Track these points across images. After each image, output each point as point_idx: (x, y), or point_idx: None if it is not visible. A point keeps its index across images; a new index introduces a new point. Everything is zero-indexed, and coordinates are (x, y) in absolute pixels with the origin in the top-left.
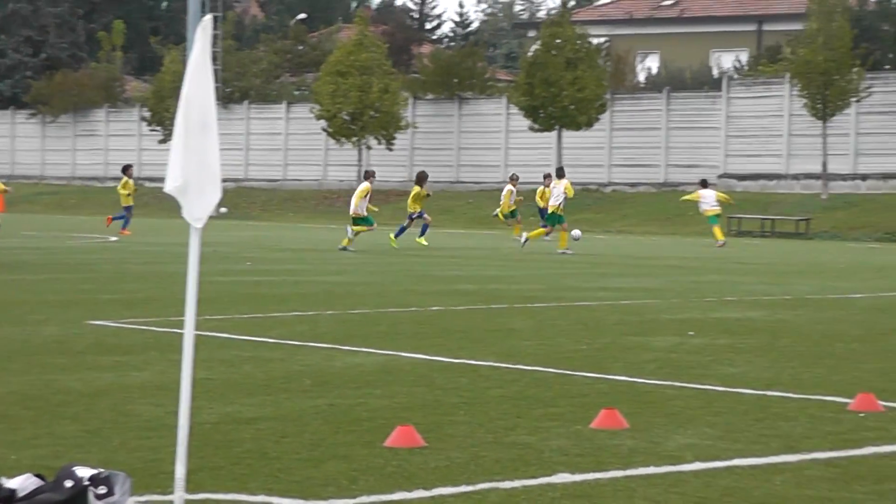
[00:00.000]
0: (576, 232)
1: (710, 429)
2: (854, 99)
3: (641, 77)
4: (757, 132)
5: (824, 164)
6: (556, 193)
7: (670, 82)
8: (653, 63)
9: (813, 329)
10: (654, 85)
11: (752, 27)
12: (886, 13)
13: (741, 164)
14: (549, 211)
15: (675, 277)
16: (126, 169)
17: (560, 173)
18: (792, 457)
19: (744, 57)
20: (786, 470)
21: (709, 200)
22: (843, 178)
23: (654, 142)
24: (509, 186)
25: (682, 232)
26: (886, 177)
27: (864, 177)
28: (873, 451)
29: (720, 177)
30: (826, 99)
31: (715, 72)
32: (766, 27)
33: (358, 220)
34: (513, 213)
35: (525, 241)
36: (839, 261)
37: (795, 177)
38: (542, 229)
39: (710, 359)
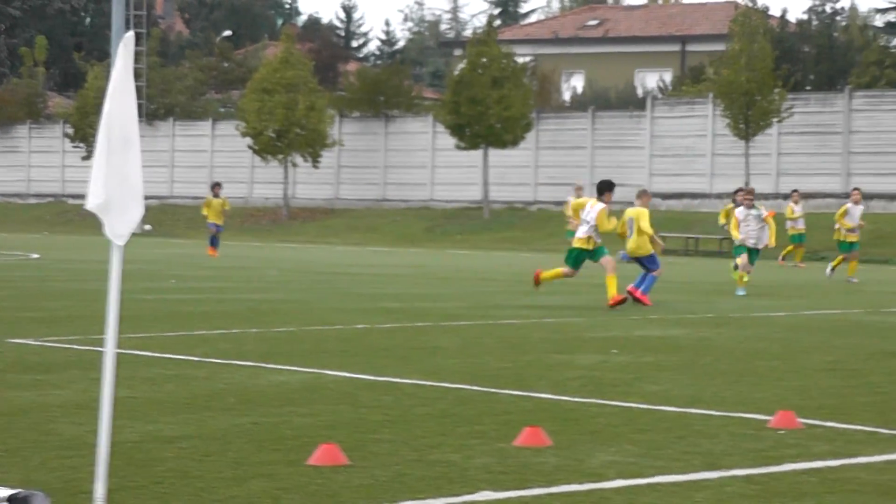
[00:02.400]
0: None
1: (633, 446)
2: (776, 119)
3: (567, 96)
4: (681, 151)
5: (747, 184)
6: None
7: (595, 101)
8: (578, 82)
9: (735, 347)
10: (580, 104)
11: (675, 47)
12: (807, 35)
13: (665, 184)
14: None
15: (600, 295)
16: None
17: (603, 187)
18: (713, 474)
19: (668, 77)
20: (707, 487)
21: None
22: (766, 197)
23: (580, 161)
24: None
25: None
26: (807, 196)
27: (785, 196)
28: (792, 468)
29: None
30: (748, 119)
31: (639, 91)
32: (690, 47)
33: None
34: None
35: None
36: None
37: (719, 196)
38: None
39: (634, 376)
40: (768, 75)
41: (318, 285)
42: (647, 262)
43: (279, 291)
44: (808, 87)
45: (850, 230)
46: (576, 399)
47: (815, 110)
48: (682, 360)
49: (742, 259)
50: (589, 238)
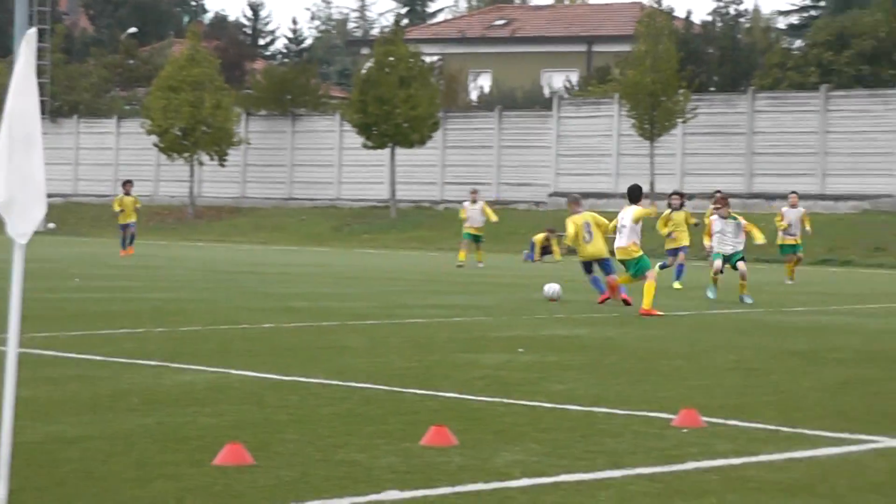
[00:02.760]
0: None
1: (538, 445)
2: (680, 120)
3: (474, 96)
4: (587, 151)
5: (652, 184)
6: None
7: (502, 101)
8: (485, 82)
9: (639, 346)
10: (487, 104)
11: (581, 48)
12: (711, 36)
13: (571, 183)
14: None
15: (506, 295)
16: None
17: (635, 194)
18: (617, 472)
19: (574, 77)
20: (610, 485)
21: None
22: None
23: (487, 160)
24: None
25: (514, 250)
26: (711, 196)
27: (690, 196)
28: (695, 466)
29: (551, 195)
30: (653, 119)
31: (546, 91)
32: (596, 48)
33: None
34: (477, 238)
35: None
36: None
37: (624, 196)
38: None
39: (539, 376)
40: (673, 76)
41: (224, 284)
42: (606, 267)
43: (185, 291)
44: (712, 89)
45: (788, 233)
46: (481, 398)
47: (718, 111)
48: (586, 360)
49: (717, 264)
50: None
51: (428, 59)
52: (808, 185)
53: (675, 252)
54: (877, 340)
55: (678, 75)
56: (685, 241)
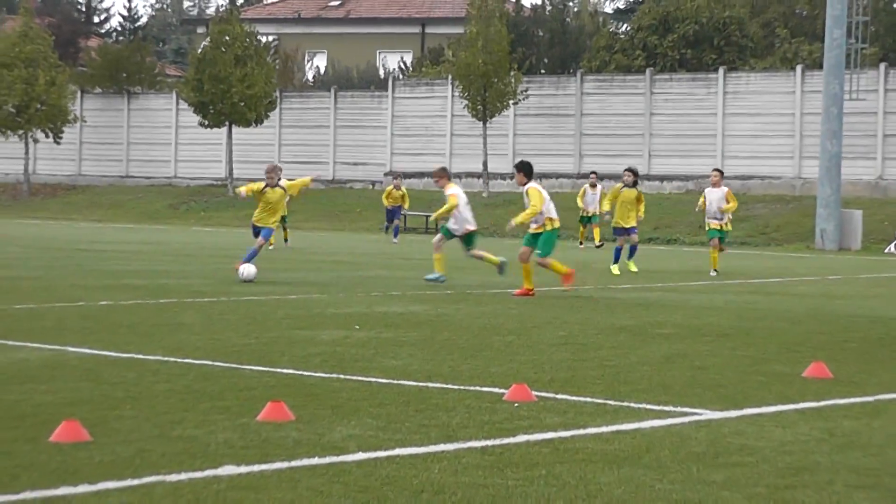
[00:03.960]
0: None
1: (373, 420)
2: (512, 101)
3: (310, 76)
4: (421, 132)
5: (485, 164)
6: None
7: (338, 81)
8: (321, 62)
9: (472, 323)
10: (322, 84)
11: (416, 29)
12: (541, 20)
13: (406, 163)
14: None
15: (343, 272)
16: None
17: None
18: (450, 446)
19: (408, 58)
20: (444, 458)
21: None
22: (503, 177)
23: (323, 139)
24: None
25: (351, 228)
26: (542, 176)
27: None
28: (526, 439)
29: (386, 174)
30: (485, 101)
31: (381, 72)
32: (430, 30)
33: None
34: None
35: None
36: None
37: (458, 175)
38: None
39: (374, 352)
40: (504, 58)
41: (59, 262)
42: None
43: (19, 268)
44: (542, 71)
45: (713, 217)
46: (318, 374)
47: (549, 93)
48: (420, 336)
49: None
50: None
51: (264, 39)
52: (635, 165)
53: (623, 232)
54: (700, 316)
55: (509, 57)
56: (633, 222)
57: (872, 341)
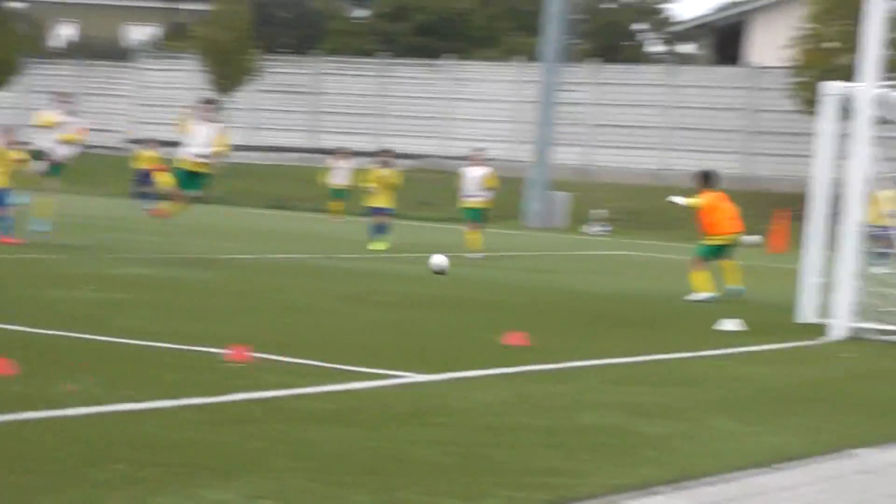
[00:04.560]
0: None
1: (97, 377)
2: (253, 78)
3: (58, 43)
4: (166, 102)
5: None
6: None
7: (85, 50)
8: (69, 31)
9: (199, 286)
10: (70, 52)
11: (163, 3)
12: (283, 1)
13: (150, 132)
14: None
15: (83, 236)
16: None
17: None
18: (169, 402)
19: (155, 32)
20: (161, 414)
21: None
22: (239, 149)
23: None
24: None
25: (89, 192)
26: (278, 150)
27: (258, 149)
28: (243, 398)
29: (128, 142)
30: (228, 76)
31: (127, 44)
32: (177, 5)
33: None
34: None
35: None
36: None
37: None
38: None
39: (105, 312)
40: (246, 36)
41: None
42: None
43: None
44: (281, 50)
45: (469, 195)
46: (48, 332)
47: (288, 71)
48: (151, 298)
49: None
50: None
51: (12, 5)
52: (367, 143)
53: (378, 211)
54: (415, 286)
55: (251, 36)
56: (388, 202)
57: (567, 312)
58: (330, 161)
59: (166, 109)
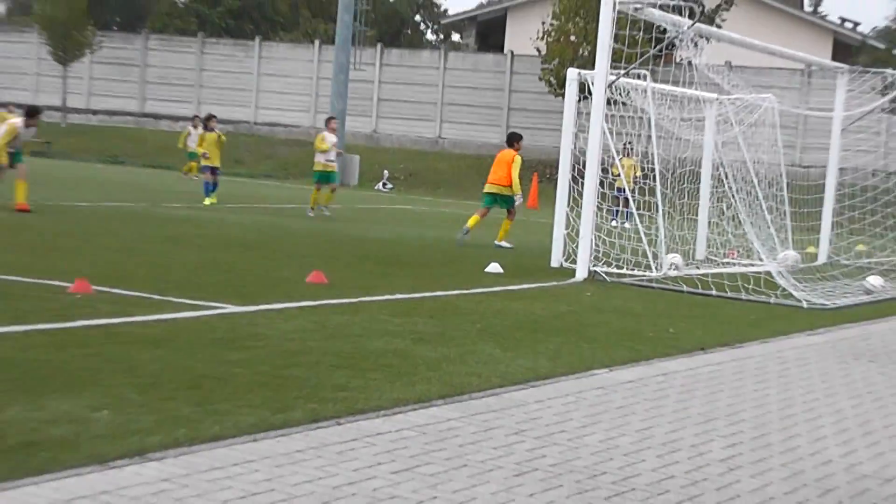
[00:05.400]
0: None
1: None
2: (88, 51)
3: None
4: (12, 71)
5: (64, 101)
6: None
7: None
8: None
9: (45, 229)
10: None
11: None
12: None
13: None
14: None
15: None
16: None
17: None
18: (19, 327)
19: (2, 9)
20: (13, 338)
21: None
22: (79, 111)
23: None
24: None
25: None
26: (111, 113)
27: (93, 112)
28: (83, 324)
29: None
30: (66, 48)
31: None
32: None
33: None
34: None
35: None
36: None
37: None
38: None
39: None
40: (82, 14)
41: None
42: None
43: None
44: (115, 28)
45: (328, 160)
46: None
47: (119, 46)
48: (2, 238)
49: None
50: None
51: None
52: (187, 111)
53: (211, 170)
54: (231, 231)
55: (87, 14)
56: (218, 162)
57: (359, 256)
58: (189, 127)
59: (11, 77)
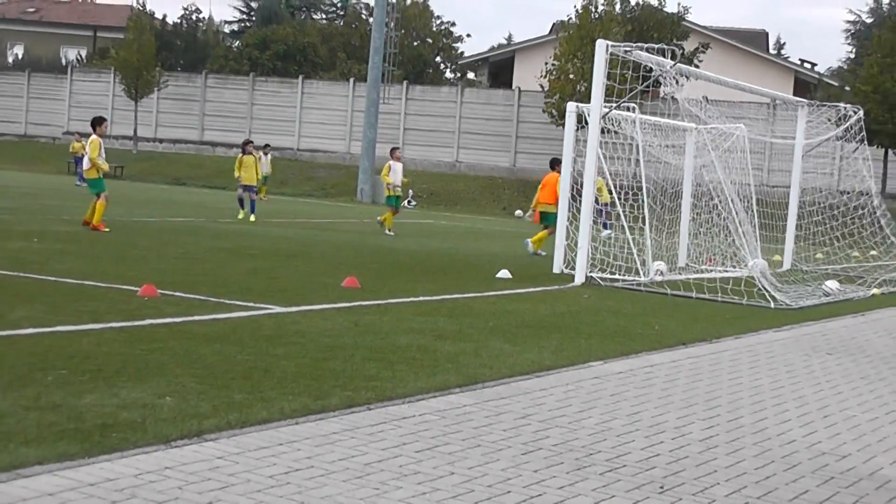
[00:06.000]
0: None
1: (42, 305)
2: (157, 89)
3: (10, 59)
4: (93, 106)
5: (135, 130)
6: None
7: (31, 65)
8: (19, 51)
9: (117, 240)
10: (20, 66)
11: (89, 33)
12: (179, 32)
13: (81, 127)
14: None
15: (29, 201)
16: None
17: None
18: (97, 325)
19: (84, 52)
20: (91, 334)
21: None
22: (148, 140)
23: (17, 106)
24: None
25: (37, 170)
26: (175, 141)
27: (160, 140)
28: (150, 323)
29: (64, 133)
30: (137, 87)
31: (63, 61)
32: (100, 34)
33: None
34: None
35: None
36: (137, 197)
37: (116, 137)
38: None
39: (46, 258)
40: (151, 58)
41: None
42: None
43: None
44: (179, 69)
45: (395, 185)
46: (5, 272)
47: (182, 84)
48: (81, 248)
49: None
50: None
51: None
52: (238, 139)
53: (248, 188)
54: (276, 243)
55: (155, 57)
56: (255, 182)
57: (388, 264)
58: (259, 153)
59: (92, 111)
